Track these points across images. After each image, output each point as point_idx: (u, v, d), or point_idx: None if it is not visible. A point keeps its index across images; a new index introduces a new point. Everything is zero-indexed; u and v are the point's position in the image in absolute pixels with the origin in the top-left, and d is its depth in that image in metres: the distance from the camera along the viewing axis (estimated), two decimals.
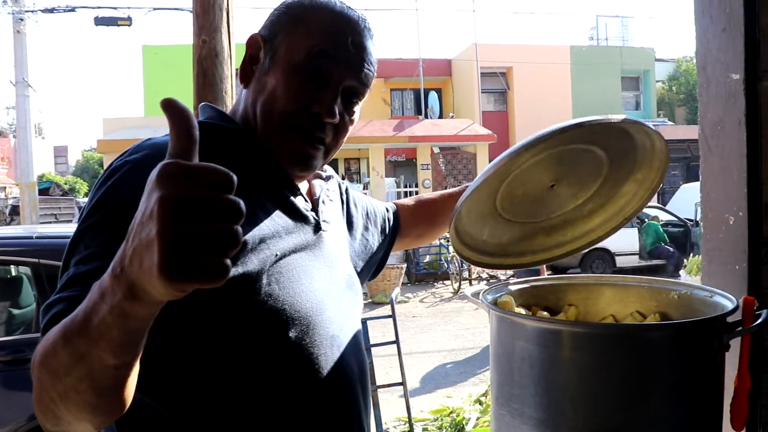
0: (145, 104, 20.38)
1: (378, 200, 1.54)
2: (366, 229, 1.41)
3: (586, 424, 0.97)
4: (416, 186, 19.26)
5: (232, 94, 3.59)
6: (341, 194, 1.38)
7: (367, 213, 1.44)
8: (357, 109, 1.14)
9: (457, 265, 12.32)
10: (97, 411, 0.74)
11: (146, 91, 20.34)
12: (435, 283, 13.45)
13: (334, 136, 1.11)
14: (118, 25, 14.16)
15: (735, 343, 1.00)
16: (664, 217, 13.65)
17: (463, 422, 4.63)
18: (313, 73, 1.06)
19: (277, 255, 1.02)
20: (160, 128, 15.61)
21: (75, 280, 0.85)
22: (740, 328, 0.99)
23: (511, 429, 1.05)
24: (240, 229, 0.58)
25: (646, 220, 12.87)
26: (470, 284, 12.41)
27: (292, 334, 1.00)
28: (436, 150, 19.36)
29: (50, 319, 0.80)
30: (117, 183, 0.94)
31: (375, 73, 1.14)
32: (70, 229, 5.45)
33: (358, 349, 1.15)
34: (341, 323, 1.11)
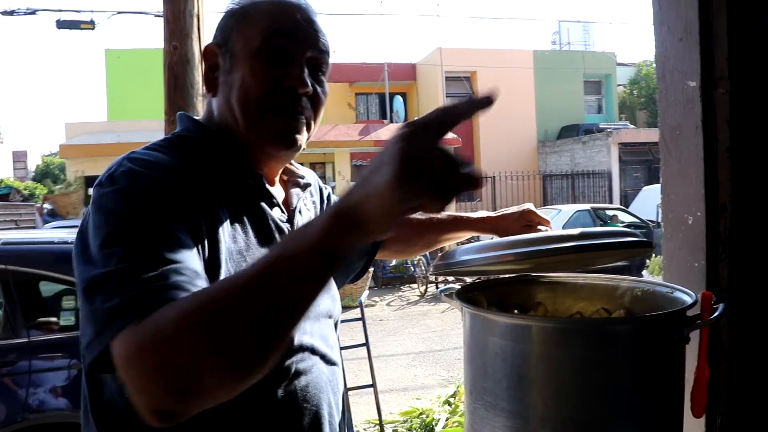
0: (108, 109, 20.08)
1: None
2: None
3: (556, 415, 1.02)
4: None
5: (202, 99, 3.58)
6: (322, 199, 1.39)
7: None
8: (324, 79, 1.16)
9: (423, 268, 12.38)
10: (261, 354, 0.76)
11: (109, 96, 20.04)
12: (401, 287, 13.50)
13: (312, 108, 1.14)
14: (81, 29, 13.96)
15: (694, 336, 1.06)
16: (627, 218, 13.87)
17: (433, 423, 4.67)
18: (275, 52, 1.09)
19: None
20: (123, 133, 15.43)
21: (160, 263, 0.85)
22: (699, 321, 1.05)
23: (485, 421, 1.09)
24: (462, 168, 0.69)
25: (608, 221, 13.07)
26: (436, 287, 12.48)
27: None
28: None
29: (152, 304, 0.79)
30: (127, 189, 0.94)
31: (329, 44, 1.17)
32: (34, 235, 5.38)
33: (330, 358, 1.17)
34: (315, 332, 1.13)
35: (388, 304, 11.64)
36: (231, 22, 1.13)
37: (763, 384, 1.33)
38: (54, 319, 3.91)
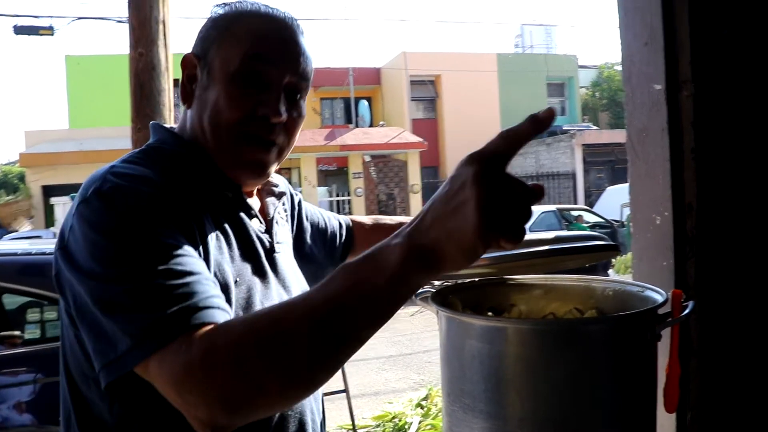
0: (70, 116, 19.73)
1: (332, 213, 1.55)
2: (315, 242, 1.43)
3: (534, 415, 1.03)
4: (348, 194, 19.32)
5: (170, 106, 3.56)
6: (293, 207, 1.39)
7: (318, 225, 1.45)
8: (303, 104, 1.14)
9: None
10: (318, 379, 0.81)
11: (70, 103, 19.69)
12: None
13: (285, 134, 1.12)
14: (40, 35, 13.72)
15: (665, 333, 1.08)
16: (592, 218, 14.06)
17: (406, 426, 4.69)
18: (252, 78, 1.06)
19: (237, 281, 1.04)
20: (85, 141, 15.18)
21: (195, 286, 0.86)
22: (670, 319, 1.08)
23: (463, 423, 1.10)
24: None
25: (573, 221, 13.24)
26: None
27: None
28: (368, 158, 19.47)
29: (198, 324, 0.81)
30: (125, 197, 0.93)
31: (312, 67, 1.15)
32: None
33: None
34: None
35: None
36: (212, 34, 1.11)
37: (731, 379, 1.36)
38: (18, 332, 3.84)
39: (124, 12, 3.59)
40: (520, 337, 1.06)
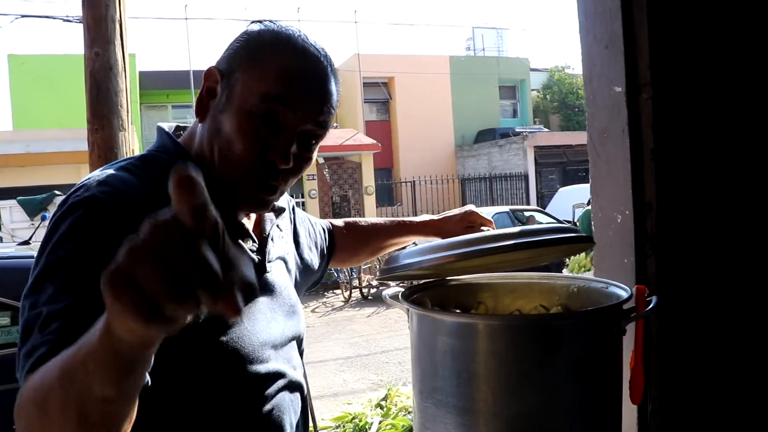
0: (13, 118, 19.18)
1: (314, 217, 1.54)
2: (309, 249, 1.42)
3: (506, 409, 1.06)
4: (303, 196, 19.21)
5: (127, 107, 3.49)
6: (290, 216, 1.38)
7: (309, 233, 1.45)
8: (315, 149, 1.10)
9: (347, 273, 12.39)
10: None
11: (14, 104, 19.12)
12: (325, 293, 13.47)
13: (292, 175, 1.08)
14: None
15: (629, 328, 1.12)
16: (544, 219, 14.28)
17: (366, 427, 4.70)
18: (267, 119, 1.01)
19: None
20: (32, 142, 14.76)
21: (50, 318, 0.83)
22: (635, 314, 1.11)
23: (436, 419, 1.12)
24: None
25: (525, 222, 13.43)
26: (360, 292, 12.53)
27: (232, 374, 1.03)
28: (321, 160, 19.42)
29: (35, 362, 0.78)
30: (80, 219, 0.91)
31: (335, 114, 1.10)
32: None
33: (294, 380, 1.17)
34: (281, 357, 1.13)
35: (312, 311, 11.59)
36: (242, 55, 1.05)
37: (690, 371, 1.41)
38: None
39: (71, 11, 3.52)
40: (490, 333, 1.08)
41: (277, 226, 1.25)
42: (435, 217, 1.53)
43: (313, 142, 1.08)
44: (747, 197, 1.44)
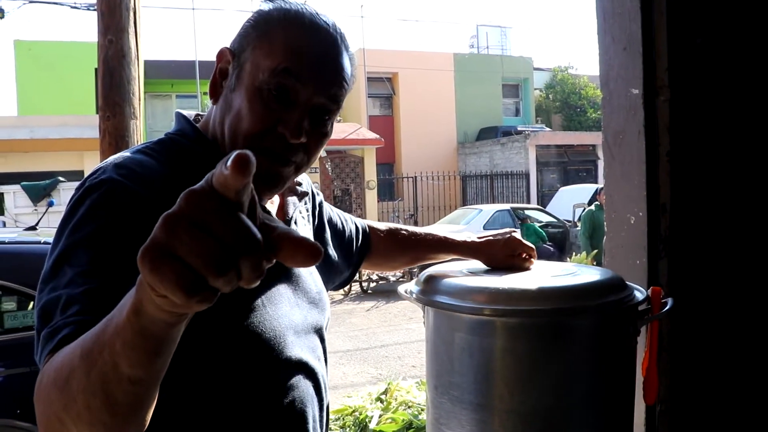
0: (19, 103, 19.14)
1: (350, 216, 1.52)
2: (333, 244, 1.41)
3: (522, 406, 1.07)
4: None
5: (139, 95, 3.49)
6: (314, 207, 1.37)
7: (336, 227, 1.43)
8: (330, 124, 1.08)
9: None
10: None
11: (19, 90, 19.07)
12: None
13: (305, 154, 1.06)
14: None
15: (642, 329, 1.13)
16: (545, 218, 14.29)
17: (366, 420, 4.71)
18: (278, 93, 1.00)
19: None
20: (37, 129, 14.74)
21: (71, 301, 0.82)
22: (649, 315, 1.12)
23: (451, 415, 1.13)
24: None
25: (528, 221, 13.43)
26: (360, 286, 12.54)
27: (254, 360, 1.03)
28: (324, 154, 19.42)
29: (58, 343, 0.77)
30: (98, 201, 0.91)
31: (350, 86, 1.09)
32: None
33: (317, 371, 1.16)
34: (304, 346, 1.13)
35: None
36: (251, 34, 1.05)
37: (700, 373, 1.42)
38: None
39: None
40: (508, 330, 1.09)
41: (299, 211, 1.24)
42: (476, 238, 1.46)
43: (327, 117, 1.07)
44: (762, 201, 1.45)
